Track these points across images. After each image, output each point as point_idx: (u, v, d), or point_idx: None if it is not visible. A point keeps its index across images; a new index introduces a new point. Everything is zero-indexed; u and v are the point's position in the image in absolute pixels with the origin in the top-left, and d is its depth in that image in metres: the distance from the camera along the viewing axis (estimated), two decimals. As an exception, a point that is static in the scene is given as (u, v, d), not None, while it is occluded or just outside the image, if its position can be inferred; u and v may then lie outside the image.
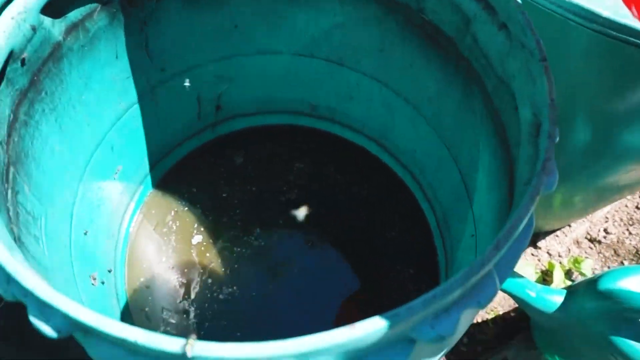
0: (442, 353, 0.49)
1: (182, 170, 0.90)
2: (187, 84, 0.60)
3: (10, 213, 0.46)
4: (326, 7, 0.66)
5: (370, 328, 0.32)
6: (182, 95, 0.77)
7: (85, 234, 0.69)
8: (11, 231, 0.44)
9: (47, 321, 0.33)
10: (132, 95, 0.69)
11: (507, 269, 0.41)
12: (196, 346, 0.31)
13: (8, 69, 0.46)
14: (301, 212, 0.88)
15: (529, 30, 0.43)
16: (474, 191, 0.71)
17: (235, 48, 0.73)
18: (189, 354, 0.31)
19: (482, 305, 0.38)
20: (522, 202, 0.38)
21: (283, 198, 0.90)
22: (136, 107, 0.72)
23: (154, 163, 0.84)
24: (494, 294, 0.38)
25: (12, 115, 0.48)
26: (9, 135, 0.48)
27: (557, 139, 0.42)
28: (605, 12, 0.53)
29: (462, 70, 0.60)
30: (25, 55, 0.47)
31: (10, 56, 0.45)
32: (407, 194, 0.90)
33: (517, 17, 0.44)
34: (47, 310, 0.33)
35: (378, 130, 0.86)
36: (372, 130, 0.87)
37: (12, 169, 0.48)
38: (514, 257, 0.41)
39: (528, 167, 0.46)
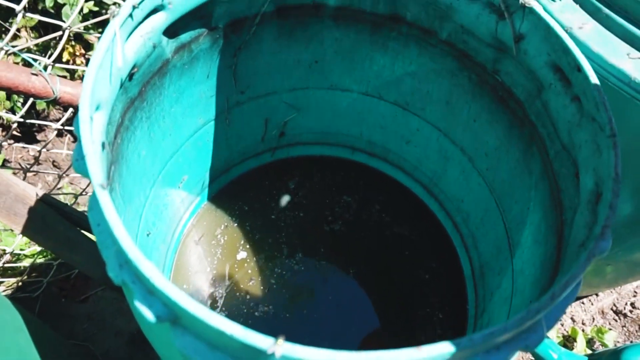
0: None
1: (237, 187, 0.94)
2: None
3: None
4: (404, 54, 0.71)
5: (435, 352, 0.35)
6: (252, 119, 0.82)
7: (148, 235, 0.74)
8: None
9: (150, 307, 0.37)
10: (212, 112, 0.75)
11: (553, 319, 0.44)
12: (284, 347, 0.34)
13: (126, 78, 0.51)
14: (342, 244, 0.92)
15: (602, 106, 0.47)
16: (517, 246, 0.74)
17: (310, 81, 0.78)
18: (278, 354, 0.34)
19: (530, 348, 0.41)
20: (578, 262, 0.42)
21: (327, 228, 0.93)
22: (212, 124, 0.77)
23: (214, 178, 0.89)
24: (541, 340, 0.41)
25: (120, 120, 0.53)
26: (115, 137, 0.53)
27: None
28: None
29: (526, 132, 0.64)
30: (142, 68, 0.53)
31: (133, 68, 0.50)
32: (446, 241, 0.93)
33: (593, 93, 0.48)
34: (151, 298, 0.38)
35: (429, 176, 0.89)
36: (423, 175, 0.90)
37: (112, 167, 0.52)
38: (561, 309, 0.44)
39: (585, 232, 0.49)
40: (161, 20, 0.53)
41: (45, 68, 0.61)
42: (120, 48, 0.45)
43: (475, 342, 0.35)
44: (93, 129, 0.43)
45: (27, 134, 1.53)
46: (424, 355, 0.34)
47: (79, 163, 0.40)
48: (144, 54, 0.52)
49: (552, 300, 0.37)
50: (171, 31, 0.55)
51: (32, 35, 1.42)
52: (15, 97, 1.37)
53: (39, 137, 1.53)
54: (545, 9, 0.64)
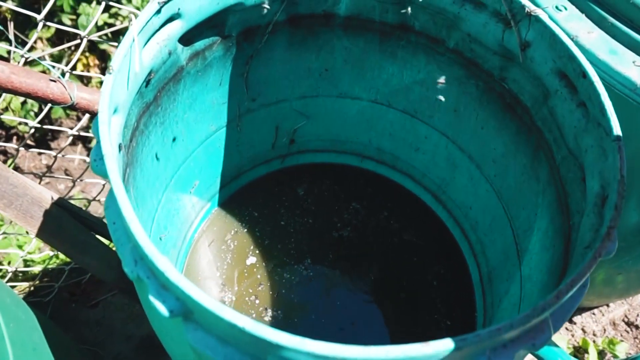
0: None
1: (248, 194, 0.96)
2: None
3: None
4: (412, 63, 0.72)
5: (442, 347, 0.36)
6: (263, 126, 0.84)
7: (160, 239, 0.75)
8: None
9: (163, 301, 0.38)
10: (223, 119, 0.76)
11: (560, 320, 0.45)
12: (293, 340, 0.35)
13: (143, 84, 0.53)
14: (350, 250, 0.93)
15: (608, 112, 0.48)
16: (525, 252, 0.74)
17: (320, 89, 0.80)
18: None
19: (536, 347, 0.42)
20: (584, 261, 0.42)
21: (336, 234, 0.94)
22: (223, 130, 0.79)
23: (224, 184, 0.90)
24: (547, 339, 0.42)
25: (136, 124, 0.54)
26: (131, 140, 0.54)
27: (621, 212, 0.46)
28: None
29: (533, 138, 0.65)
30: (158, 74, 0.54)
31: (149, 74, 0.52)
32: (454, 248, 0.93)
33: (598, 98, 0.49)
34: (165, 293, 0.39)
35: (437, 183, 0.90)
36: (431, 182, 0.91)
37: (128, 170, 0.54)
38: (568, 310, 0.45)
39: (591, 234, 0.50)
40: (177, 28, 0.55)
41: (63, 75, 0.63)
42: (137, 54, 0.47)
43: (481, 337, 0.36)
44: (111, 131, 0.45)
45: (41, 143, 1.56)
46: (431, 351, 0.35)
47: (97, 163, 0.42)
48: (160, 60, 0.53)
49: (558, 298, 0.38)
50: (186, 39, 0.57)
51: (48, 46, 1.45)
52: (28, 105, 1.39)
53: (52, 145, 1.56)
54: (551, 18, 0.65)
